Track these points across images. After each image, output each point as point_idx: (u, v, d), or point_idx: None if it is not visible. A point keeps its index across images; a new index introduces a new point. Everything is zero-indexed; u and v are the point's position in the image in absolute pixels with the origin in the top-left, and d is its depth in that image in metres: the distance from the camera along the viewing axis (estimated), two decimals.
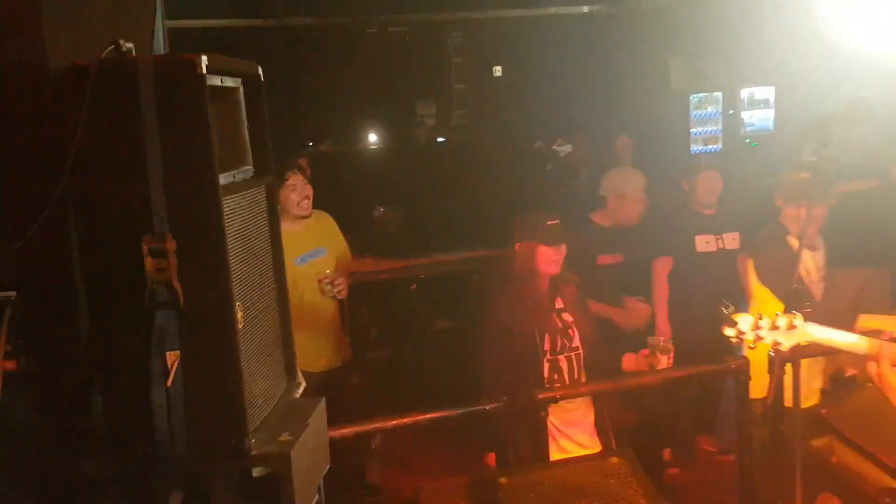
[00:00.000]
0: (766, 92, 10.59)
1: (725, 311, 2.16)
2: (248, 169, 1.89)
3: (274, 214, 1.96)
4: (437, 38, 10.42)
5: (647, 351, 3.18)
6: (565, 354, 3.31)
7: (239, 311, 1.64)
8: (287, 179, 4.06)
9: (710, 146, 10.65)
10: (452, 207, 8.61)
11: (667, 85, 10.16)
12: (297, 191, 4.11)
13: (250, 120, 1.89)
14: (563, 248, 3.28)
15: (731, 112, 10.64)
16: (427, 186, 8.80)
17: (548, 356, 3.27)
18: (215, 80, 1.66)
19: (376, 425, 2.75)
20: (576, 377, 3.31)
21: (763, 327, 2.12)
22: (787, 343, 2.13)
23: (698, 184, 4.83)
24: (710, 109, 10.70)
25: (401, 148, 10.48)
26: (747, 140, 10.55)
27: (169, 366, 1.56)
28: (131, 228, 1.54)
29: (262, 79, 1.91)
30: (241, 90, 1.85)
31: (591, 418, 3.35)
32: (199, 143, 1.54)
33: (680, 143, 10.49)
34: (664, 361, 3.12)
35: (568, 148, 8.33)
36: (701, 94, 10.64)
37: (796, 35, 8.90)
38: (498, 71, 10.86)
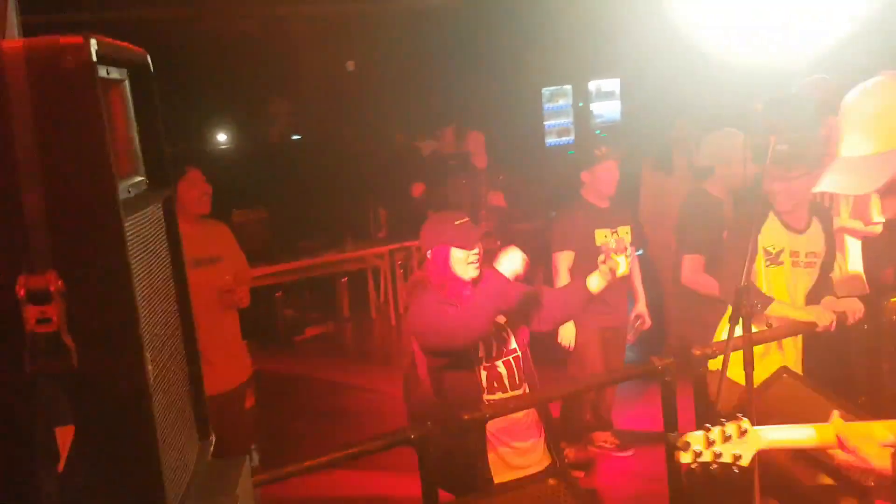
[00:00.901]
0: (612, 84, 10.87)
1: (673, 439, 1.94)
2: (141, 180, 1.52)
3: (175, 237, 1.60)
4: (288, 32, 9.95)
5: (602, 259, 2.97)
6: (503, 359, 3.08)
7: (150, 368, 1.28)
8: (186, 173, 3.76)
9: (563, 138, 10.82)
10: (316, 207, 8.27)
11: (522, 78, 10.18)
12: (197, 185, 3.79)
13: (140, 120, 1.52)
14: (479, 248, 3.03)
15: (580, 104, 10.85)
16: (286, 187, 8.40)
17: (483, 364, 3.03)
18: (101, 71, 1.28)
19: (288, 470, 2.40)
20: (517, 382, 3.08)
21: (716, 441, 1.89)
22: (747, 455, 1.89)
23: (598, 175, 4.71)
24: (561, 102, 10.87)
25: (254, 147, 9.98)
26: (597, 131, 10.79)
27: (60, 446, 1.19)
28: (1, 266, 1.15)
29: (153, 69, 1.55)
30: (128, 83, 1.48)
31: (531, 417, 3.11)
32: (92, 150, 1.18)
33: (535, 136, 10.60)
34: (623, 263, 2.91)
35: (433, 143, 8.13)
36: (552, 88, 10.79)
37: (638, 28, 9.17)
38: (351, 66, 10.54)
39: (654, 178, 6.30)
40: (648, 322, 4.84)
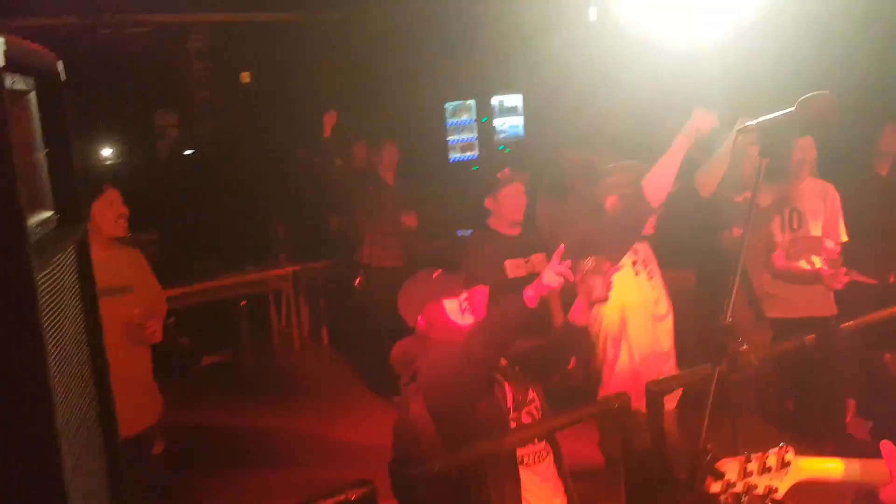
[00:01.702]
0: (515, 99, 10.84)
1: (705, 462, 1.77)
2: (50, 216, 1.22)
3: (88, 281, 1.30)
4: (178, 40, 9.46)
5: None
6: (525, 408, 2.91)
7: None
8: (103, 192, 3.49)
9: (467, 154, 10.69)
10: (212, 227, 7.81)
11: (424, 93, 10.00)
12: (114, 206, 3.50)
13: (48, 140, 1.22)
14: (464, 293, 2.92)
15: (484, 119, 10.77)
16: (178, 205, 7.89)
17: (511, 414, 2.87)
18: (6, 80, 0.99)
19: None
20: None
21: (752, 472, 1.75)
22: (782, 488, 1.75)
23: (504, 200, 4.44)
24: (464, 117, 10.75)
25: (141, 163, 9.40)
26: (500, 147, 10.72)
27: None
28: None
29: (63, 78, 1.25)
30: (34, 96, 1.18)
31: (552, 468, 2.94)
32: None
33: (438, 152, 10.44)
34: (599, 285, 2.71)
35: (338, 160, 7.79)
36: (455, 102, 10.66)
37: (540, 43, 9.19)
38: (246, 77, 10.12)
39: (548, 204, 6.07)
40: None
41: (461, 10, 9.14)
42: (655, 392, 2.78)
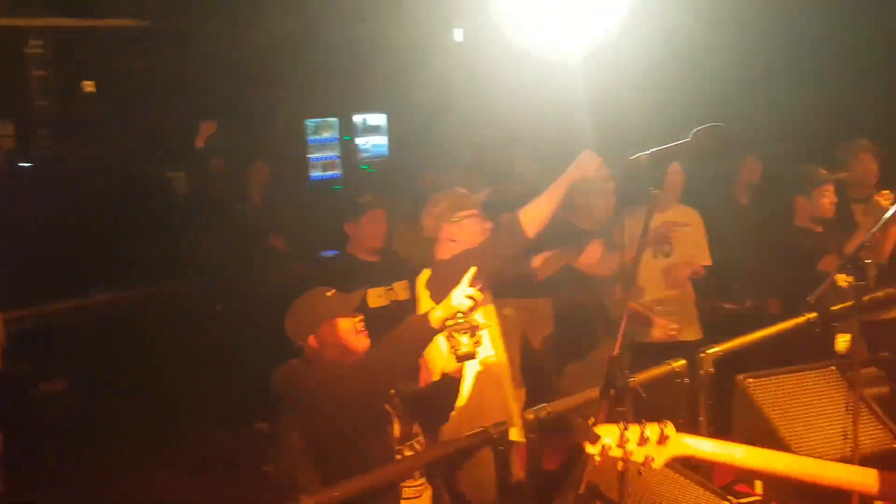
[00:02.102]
0: (379, 118, 10.71)
1: (585, 424, 1.81)
2: None
3: None
4: (14, 46, 8.78)
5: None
6: (409, 442, 2.82)
7: None
8: None
9: (329, 172, 10.45)
10: (53, 246, 7.20)
11: (284, 109, 9.71)
12: None
13: None
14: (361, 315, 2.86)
15: (347, 138, 10.57)
16: (14, 222, 7.23)
17: (396, 446, 2.77)
18: None
19: None
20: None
21: (629, 440, 1.79)
22: (660, 459, 1.82)
23: (365, 226, 4.30)
24: (326, 135, 10.51)
25: None
26: (363, 166, 10.56)
27: None
28: None
29: None
30: None
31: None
32: None
33: (299, 170, 10.15)
34: (467, 342, 2.62)
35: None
36: (317, 120, 10.40)
37: (403, 63, 9.14)
38: (89, 86, 9.51)
39: (405, 228, 5.93)
40: None
41: (323, 27, 8.94)
42: (532, 421, 2.67)
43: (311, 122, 10.31)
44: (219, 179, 6.71)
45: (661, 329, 4.44)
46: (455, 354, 2.64)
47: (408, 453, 2.84)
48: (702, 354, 3.16)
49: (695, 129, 2.09)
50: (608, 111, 5.95)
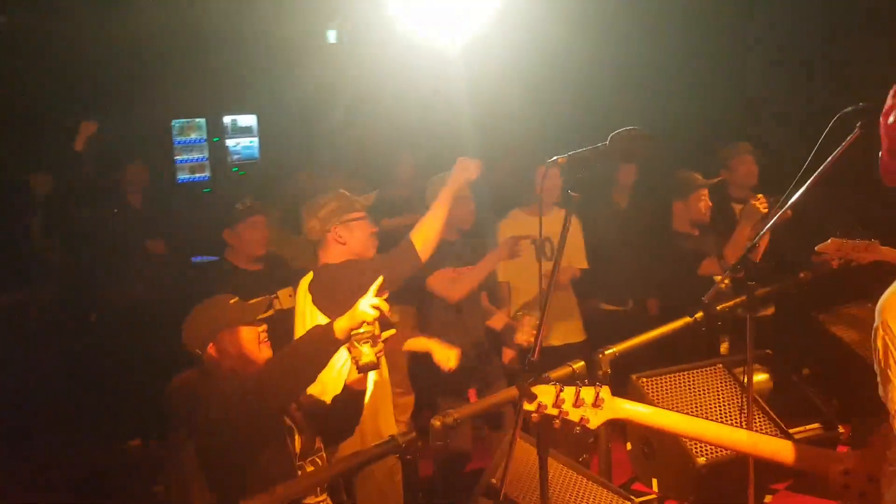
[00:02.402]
0: (249, 119, 10.41)
1: (523, 383, 1.89)
2: None
3: None
4: None
5: None
6: (310, 458, 2.70)
7: None
8: None
9: (197, 175, 10.05)
10: None
11: (149, 109, 9.24)
12: None
13: None
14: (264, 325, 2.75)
15: (216, 139, 10.21)
16: None
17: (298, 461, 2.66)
18: None
19: None
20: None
21: (565, 401, 1.91)
22: (595, 420, 1.94)
23: (244, 233, 4.17)
24: (193, 136, 10.12)
25: None
26: (234, 168, 10.23)
27: None
28: None
29: None
30: None
31: None
32: None
33: (166, 172, 9.70)
34: (368, 352, 2.57)
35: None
36: (183, 120, 9.99)
37: (274, 63, 8.92)
38: None
39: (280, 235, 5.76)
40: None
41: (188, 23, 8.58)
42: (440, 429, 2.62)
43: (177, 123, 9.91)
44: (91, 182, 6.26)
45: (525, 334, 4.55)
46: (357, 365, 2.56)
47: (309, 468, 2.73)
48: (599, 355, 3.20)
49: (612, 133, 2.11)
50: (488, 114, 6.00)
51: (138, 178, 6.03)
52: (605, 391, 1.95)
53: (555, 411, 1.91)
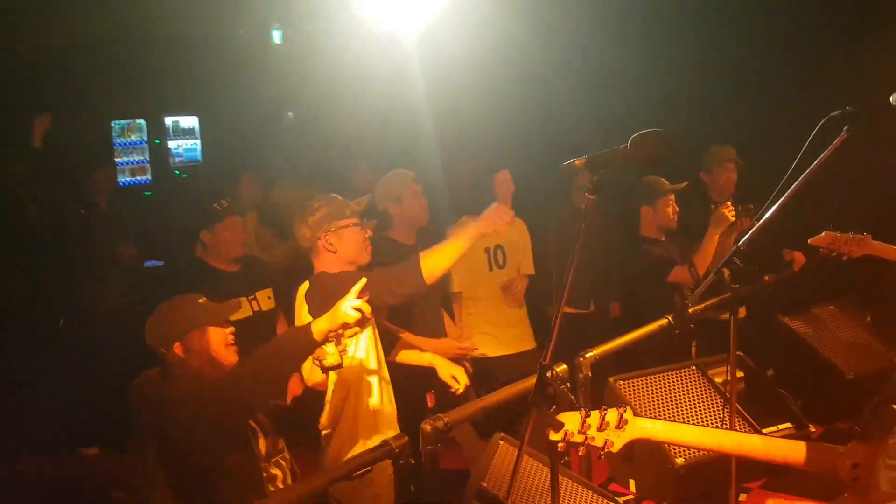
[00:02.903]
0: (191, 121, 10.18)
1: (549, 413, 1.86)
2: None
3: None
4: None
5: None
6: (275, 459, 2.67)
7: None
8: None
9: (138, 177, 9.78)
10: None
11: (87, 110, 8.93)
12: None
13: None
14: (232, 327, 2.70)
15: (157, 141, 9.96)
16: None
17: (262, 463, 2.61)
18: None
19: None
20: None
21: (591, 426, 1.89)
22: (619, 443, 1.93)
23: (221, 234, 4.08)
24: (134, 138, 9.84)
25: None
26: (177, 171, 9.99)
27: None
28: None
29: None
30: None
31: None
32: None
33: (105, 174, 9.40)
34: (332, 351, 2.56)
35: None
36: (123, 122, 9.71)
37: (217, 64, 8.73)
38: None
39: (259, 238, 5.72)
40: None
41: (129, 22, 8.33)
42: (431, 432, 2.58)
43: (116, 124, 9.63)
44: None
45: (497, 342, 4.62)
46: (320, 365, 2.53)
47: (274, 471, 2.69)
48: (580, 359, 3.21)
49: (633, 136, 2.10)
50: (446, 117, 5.97)
51: (106, 180, 5.86)
52: (628, 412, 1.95)
53: (581, 438, 1.90)
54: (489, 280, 4.73)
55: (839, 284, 4.42)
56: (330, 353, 2.50)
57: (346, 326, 2.46)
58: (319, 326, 2.48)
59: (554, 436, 1.89)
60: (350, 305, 2.44)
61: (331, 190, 5.32)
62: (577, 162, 2.22)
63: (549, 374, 1.91)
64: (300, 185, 5.57)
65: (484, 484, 2.56)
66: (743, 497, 3.39)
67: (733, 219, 4.25)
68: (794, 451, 2.00)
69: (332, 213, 3.26)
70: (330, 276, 3.16)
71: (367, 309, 2.48)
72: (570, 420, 1.90)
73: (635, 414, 2.02)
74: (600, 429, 1.92)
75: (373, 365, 3.15)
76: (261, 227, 5.62)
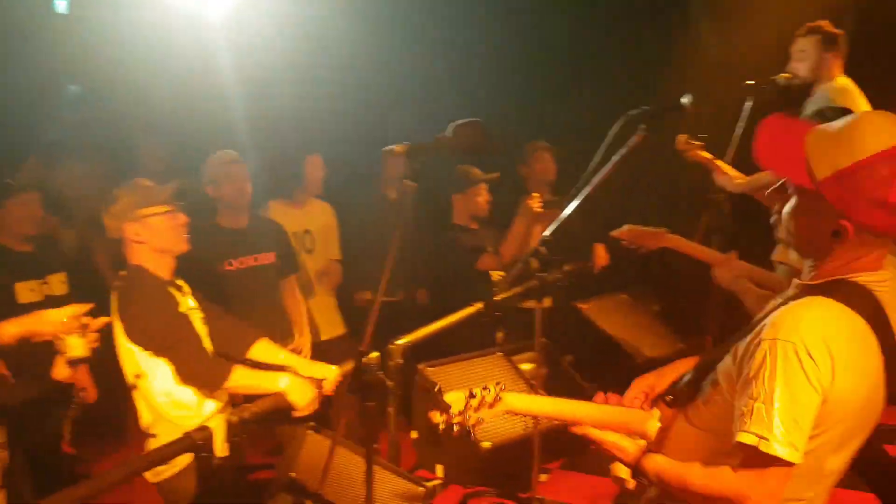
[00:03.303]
0: None
1: (436, 394, 1.85)
2: None
3: None
4: None
5: None
6: None
7: None
8: None
9: None
10: None
11: None
12: None
13: None
14: None
15: None
16: None
17: None
18: None
19: None
20: None
21: (472, 407, 1.87)
22: (487, 418, 1.93)
23: (12, 211, 3.92)
24: None
25: None
26: None
27: None
28: None
29: None
30: None
31: None
32: None
33: None
34: (77, 344, 2.47)
35: None
36: None
37: None
38: None
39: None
40: None
41: None
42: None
43: None
44: None
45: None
46: (65, 358, 2.44)
47: None
48: (391, 346, 3.19)
49: (454, 124, 2.11)
50: (253, 97, 5.78)
51: None
52: (501, 387, 1.95)
53: (460, 418, 1.88)
54: (305, 264, 4.69)
55: (634, 275, 4.73)
56: (74, 345, 2.38)
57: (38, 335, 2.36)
58: (8, 330, 2.35)
59: (437, 417, 1.86)
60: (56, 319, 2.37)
61: (119, 171, 5.05)
62: (397, 149, 2.21)
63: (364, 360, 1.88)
64: (85, 166, 5.22)
65: (293, 475, 2.51)
66: (544, 477, 3.56)
67: (540, 209, 4.44)
68: (618, 415, 2.04)
69: (137, 201, 3.02)
70: (150, 277, 2.98)
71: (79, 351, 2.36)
72: (455, 401, 1.88)
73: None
74: (477, 408, 1.90)
75: None
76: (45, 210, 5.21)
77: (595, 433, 1.95)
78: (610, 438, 1.93)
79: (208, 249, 3.82)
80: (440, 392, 1.88)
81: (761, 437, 1.63)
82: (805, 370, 1.62)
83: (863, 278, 1.71)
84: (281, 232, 4.39)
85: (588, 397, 3.63)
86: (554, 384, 3.58)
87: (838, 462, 1.80)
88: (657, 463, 1.84)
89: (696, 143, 4.12)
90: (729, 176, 4.01)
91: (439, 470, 3.32)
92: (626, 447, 1.91)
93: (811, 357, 1.62)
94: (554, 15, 6.29)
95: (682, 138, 4.14)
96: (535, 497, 3.21)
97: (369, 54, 5.95)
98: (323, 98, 6.28)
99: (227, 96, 5.60)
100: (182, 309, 3.01)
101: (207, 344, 3.02)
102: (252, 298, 4.04)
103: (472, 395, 1.89)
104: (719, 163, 4.05)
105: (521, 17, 6.25)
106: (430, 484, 3.08)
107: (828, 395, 1.66)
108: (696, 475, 1.75)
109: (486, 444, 3.17)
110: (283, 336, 4.14)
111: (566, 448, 2.30)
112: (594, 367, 4.04)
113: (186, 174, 3.90)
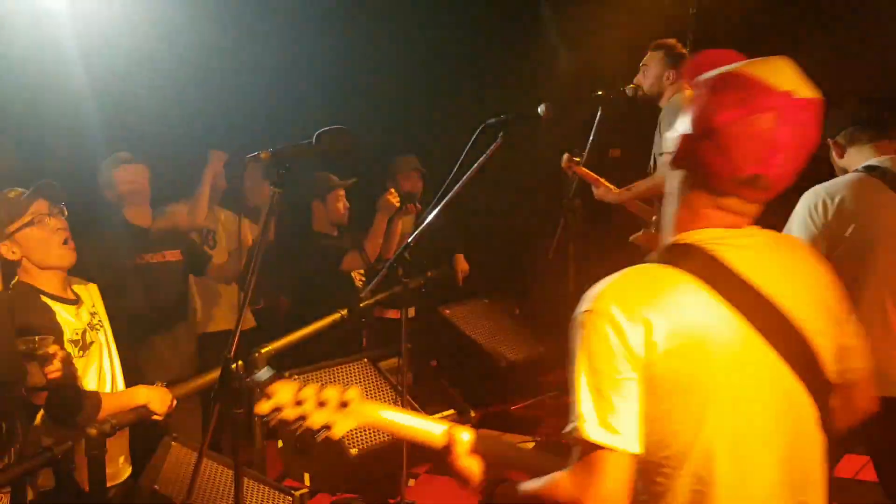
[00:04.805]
0: None
1: (260, 379, 1.72)
2: None
3: None
4: None
5: None
6: None
7: None
8: None
9: None
10: None
11: None
12: None
13: None
14: None
15: None
16: None
17: None
18: None
19: None
20: None
21: (304, 401, 1.62)
22: (341, 427, 1.65)
23: None
24: None
25: None
26: None
27: None
28: None
29: None
30: None
31: None
32: None
33: None
34: None
35: None
36: None
37: None
38: None
39: None
40: None
41: None
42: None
43: None
44: None
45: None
46: None
47: None
48: (256, 353, 3.16)
49: (319, 131, 2.12)
50: (110, 101, 5.54)
51: None
52: (352, 391, 1.68)
53: (293, 413, 1.64)
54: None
55: (494, 281, 4.86)
56: None
57: None
58: None
59: (262, 407, 1.64)
60: None
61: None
62: (262, 154, 2.20)
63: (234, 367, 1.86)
64: None
65: (156, 487, 2.44)
66: (412, 482, 3.59)
67: (398, 204, 4.52)
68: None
69: (3, 217, 2.75)
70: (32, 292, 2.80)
71: None
72: (282, 391, 1.64)
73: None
74: (318, 406, 1.65)
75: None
76: None
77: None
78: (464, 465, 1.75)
79: (120, 244, 3.89)
80: (268, 381, 1.73)
81: (575, 423, 1.43)
82: (607, 338, 1.42)
83: (695, 237, 1.53)
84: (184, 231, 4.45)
85: (454, 401, 3.73)
86: (419, 388, 3.63)
87: (747, 465, 1.49)
88: (504, 488, 1.67)
89: (577, 159, 4.39)
90: (608, 188, 4.35)
91: (306, 478, 3.31)
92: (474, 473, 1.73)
93: (615, 322, 1.42)
94: (414, 29, 6.40)
95: (565, 157, 4.42)
96: (403, 502, 3.24)
97: (233, 59, 5.83)
98: (184, 99, 6.09)
99: (81, 98, 5.33)
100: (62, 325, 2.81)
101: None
102: (161, 294, 4.12)
103: (301, 388, 1.66)
104: (598, 178, 4.36)
105: (377, 26, 6.33)
106: (297, 493, 3.07)
107: (651, 361, 1.44)
108: (531, 489, 1.56)
109: (353, 451, 3.18)
110: (188, 330, 4.33)
111: (434, 453, 2.32)
112: (458, 369, 4.13)
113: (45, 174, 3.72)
